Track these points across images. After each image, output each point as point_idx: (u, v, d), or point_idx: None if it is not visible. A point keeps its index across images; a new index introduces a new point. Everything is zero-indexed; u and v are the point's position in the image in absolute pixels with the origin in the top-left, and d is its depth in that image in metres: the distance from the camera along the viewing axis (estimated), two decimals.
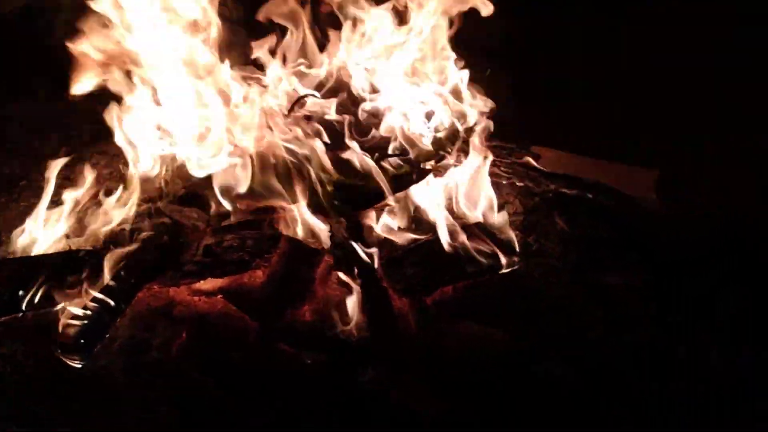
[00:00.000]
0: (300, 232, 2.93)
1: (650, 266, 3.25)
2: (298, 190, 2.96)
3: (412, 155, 3.15)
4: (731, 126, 4.36)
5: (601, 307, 3.06)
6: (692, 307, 3.08)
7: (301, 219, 2.94)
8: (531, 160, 3.60)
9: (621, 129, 4.22)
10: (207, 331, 2.81)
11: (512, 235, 3.16)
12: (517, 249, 3.12)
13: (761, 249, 3.36)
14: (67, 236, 3.24)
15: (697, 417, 2.70)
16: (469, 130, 3.33)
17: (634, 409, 2.72)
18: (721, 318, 3.03)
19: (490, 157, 3.23)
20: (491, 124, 3.38)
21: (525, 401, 2.69)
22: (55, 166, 3.35)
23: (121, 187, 3.26)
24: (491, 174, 3.30)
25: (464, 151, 3.26)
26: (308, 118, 3.25)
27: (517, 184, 3.48)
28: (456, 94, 3.36)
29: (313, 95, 3.35)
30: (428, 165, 3.13)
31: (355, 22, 3.55)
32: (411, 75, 3.41)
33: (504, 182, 3.49)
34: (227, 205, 3.03)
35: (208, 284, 2.90)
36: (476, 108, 3.36)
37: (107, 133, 3.35)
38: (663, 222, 3.44)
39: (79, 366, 2.67)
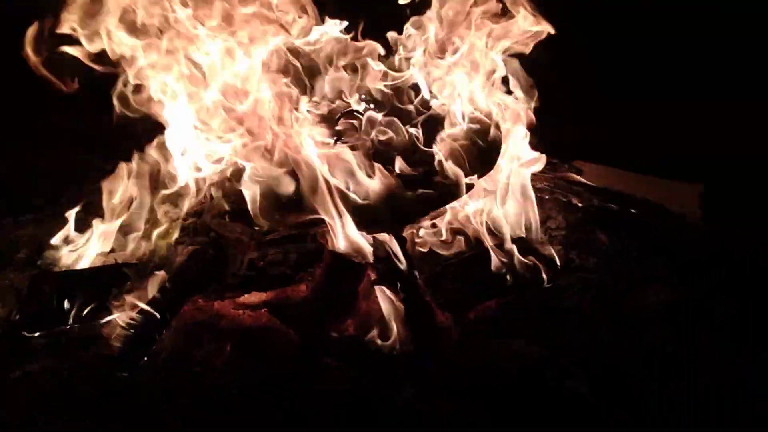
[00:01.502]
0: (343, 247, 2.93)
1: (692, 283, 3.23)
2: (342, 204, 2.97)
3: (454, 170, 3.15)
4: None
5: (640, 325, 3.02)
6: (728, 324, 3.06)
7: (345, 233, 2.95)
8: (574, 174, 3.58)
9: (666, 142, 4.21)
10: (251, 344, 2.83)
11: (553, 250, 3.16)
12: (559, 264, 3.12)
13: None
14: (113, 250, 3.28)
15: None
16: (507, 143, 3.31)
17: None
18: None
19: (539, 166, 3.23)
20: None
21: (560, 420, 2.67)
22: (103, 182, 3.39)
23: (167, 202, 3.30)
24: (534, 188, 3.30)
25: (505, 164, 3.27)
26: (339, 136, 3.26)
27: (561, 198, 3.46)
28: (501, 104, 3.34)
29: (357, 112, 3.36)
30: (471, 179, 3.12)
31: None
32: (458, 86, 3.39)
33: (547, 197, 3.48)
34: (262, 223, 3.05)
35: (252, 298, 2.93)
36: (522, 121, 3.35)
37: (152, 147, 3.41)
38: (706, 238, 3.42)
39: (125, 377, 2.70)
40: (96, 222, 3.34)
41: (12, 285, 3.26)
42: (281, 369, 2.76)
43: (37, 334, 2.93)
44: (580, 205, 3.44)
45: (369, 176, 3.02)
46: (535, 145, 3.40)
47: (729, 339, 2.95)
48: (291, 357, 2.81)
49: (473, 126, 3.26)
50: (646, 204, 3.44)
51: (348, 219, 2.92)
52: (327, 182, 2.93)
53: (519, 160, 3.25)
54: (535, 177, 3.34)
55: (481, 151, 3.17)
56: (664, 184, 3.58)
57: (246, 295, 2.92)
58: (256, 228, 3.11)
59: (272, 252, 2.98)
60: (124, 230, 3.33)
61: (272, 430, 2.59)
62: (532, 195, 3.22)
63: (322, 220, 2.96)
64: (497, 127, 3.23)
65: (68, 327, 2.93)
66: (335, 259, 2.92)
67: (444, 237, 3.14)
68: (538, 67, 3.46)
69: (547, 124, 3.48)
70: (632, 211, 3.39)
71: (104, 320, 2.89)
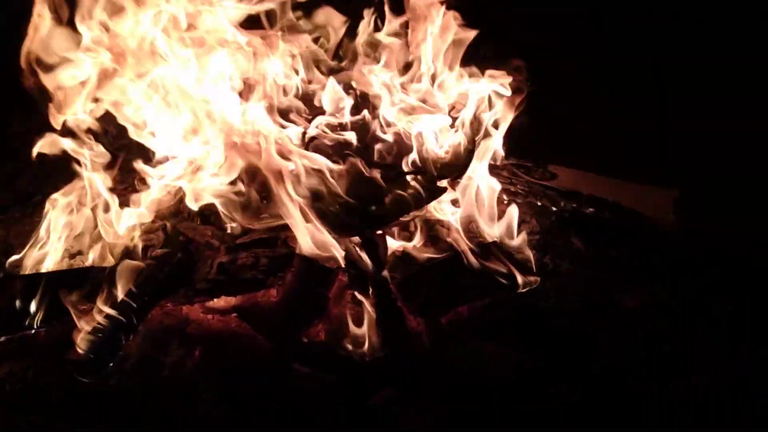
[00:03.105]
0: (313, 251, 2.89)
1: (666, 287, 3.23)
2: (311, 208, 2.93)
3: (427, 174, 3.11)
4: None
5: (616, 328, 3.03)
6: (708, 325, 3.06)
7: (316, 238, 2.91)
8: (548, 178, 3.56)
9: (639, 148, 4.20)
10: (220, 349, 2.79)
11: (529, 254, 3.13)
12: (534, 269, 3.10)
13: None
14: (80, 252, 3.23)
15: None
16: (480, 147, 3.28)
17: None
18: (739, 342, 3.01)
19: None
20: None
21: (538, 424, 2.66)
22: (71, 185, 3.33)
23: (135, 204, 3.24)
24: (508, 192, 3.28)
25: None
26: (312, 139, 3.22)
27: (535, 203, 3.45)
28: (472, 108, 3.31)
29: (333, 115, 3.33)
30: (443, 183, 3.10)
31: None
32: (424, 93, 3.37)
33: (520, 201, 3.46)
34: (233, 226, 3.02)
35: (221, 302, 2.88)
36: (492, 124, 3.32)
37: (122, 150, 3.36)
38: (680, 243, 3.41)
39: (90, 381, 2.66)
40: (63, 223, 3.28)
41: None
42: (251, 375, 2.73)
43: (2, 338, 2.88)
44: (554, 209, 3.42)
45: (340, 179, 2.99)
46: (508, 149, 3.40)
47: (707, 340, 2.97)
48: (261, 363, 2.77)
49: (445, 131, 3.24)
50: (620, 208, 3.42)
51: (318, 223, 2.89)
52: (294, 186, 2.90)
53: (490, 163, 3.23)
54: (509, 181, 3.33)
55: (454, 155, 3.15)
56: (638, 189, 3.56)
57: (215, 300, 2.87)
58: (227, 232, 3.07)
59: (243, 256, 2.94)
60: (92, 233, 3.27)
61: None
62: (505, 198, 3.21)
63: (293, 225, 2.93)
64: (470, 132, 3.22)
65: (34, 330, 2.88)
66: (305, 264, 2.88)
67: (417, 241, 3.11)
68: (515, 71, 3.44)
69: (522, 128, 3.47)
70: (606, 215, 3.38)
71: (70, 324, 2.83)
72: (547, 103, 3.70)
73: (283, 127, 3.24)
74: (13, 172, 4.22)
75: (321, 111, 3.41)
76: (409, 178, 3.09)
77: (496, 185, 3.22)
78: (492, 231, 3.16)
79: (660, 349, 2.95)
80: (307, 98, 3.47)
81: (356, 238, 2.95)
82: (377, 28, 3.59)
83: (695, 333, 3.02)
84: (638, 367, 2.88)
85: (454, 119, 3.31)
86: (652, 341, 2.99)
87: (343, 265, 2.91)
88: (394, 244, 3.08)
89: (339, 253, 2.90)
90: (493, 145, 3.25)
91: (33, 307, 2.89)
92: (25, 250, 3.22)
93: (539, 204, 3.46)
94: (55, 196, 3.30)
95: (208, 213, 3.14)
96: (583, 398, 2.72)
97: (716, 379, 2.82)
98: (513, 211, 3.16)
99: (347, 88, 3.46)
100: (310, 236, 2.89)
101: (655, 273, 3.26)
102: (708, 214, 3.56)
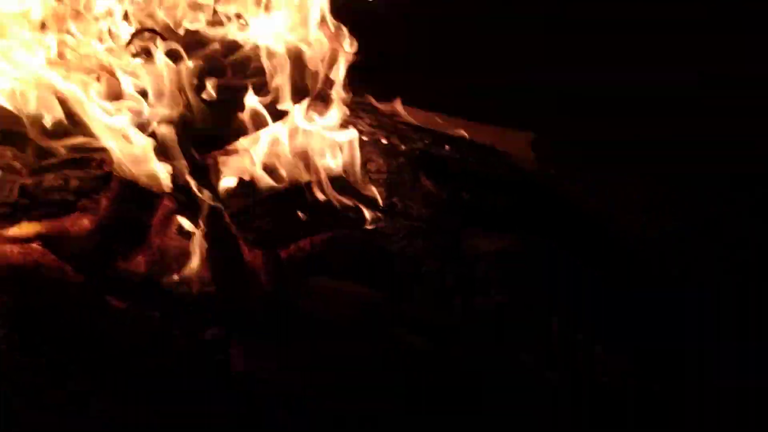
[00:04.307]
0: (136, 173, 2.54)
1: (520, 232, 3.08)
2: (135, 126, 2.59)
3: (269, 97, 2.82)
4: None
5: (464, 271, 2.85)
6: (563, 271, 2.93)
7: (137, 158, 2.56)
8: (398, 117, 3.32)
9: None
10: (21, 283, 2.40)
11: (375, 191, 2.91)
12: (381, 205, 2.87)
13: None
14: None
15: None
16: (328, 80, 3.03)
17: (486, 377, 2.52)
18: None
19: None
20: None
21: (381, 367, 2.43)
22: None
23: None
24: (355, 127, 3.05)
25: (325, 97, 2.97)
26: (148, 53, 2.86)
27: (382, 141, 3.20)
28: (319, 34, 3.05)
29: (154, 31, 2.97)
30: (286, 107, 2.81)
31: None
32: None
33: (367, 138, 3.21)
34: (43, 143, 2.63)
35: (23, 230, 2.48)
36: (341, 51, 3.07)
37: None
38: (539, 184, 3.29)
39: None
40: None
41: None
42: (58, 312, 2.36)
43: None
44: (403, 147, 3.20)
45: (166, 98, 2.67)
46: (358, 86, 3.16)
47: (563, 285, 2.83)
48: (70, 298, 2.40)
49: (287, 56, 2.96)
50: (475, 147, 3.23)
51: (144, 142, 2.54)
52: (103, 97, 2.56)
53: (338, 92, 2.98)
54: (355, 115, 3.09)
55: (298, 77, 2.87)
56: (494, 131, 3.40)
57: (16, 227, 2.47)
58: (31, 153, 2.67)
59: (50, 178, 2.53)
60: None
61: (51, 377, 2.21)
62: (352, 133, 2.96)
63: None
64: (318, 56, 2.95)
65: None
66: (125, 187, 2.53)
67: (255, 170, 2.80)
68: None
69: (373, 66, 3.25)
70: (458, 155, 3.18)
71: None
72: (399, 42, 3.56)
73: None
74: None
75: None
76: (251, 100, 2.79)
77: (340, 117, 2.97)
78: (335, 163, 2.90)
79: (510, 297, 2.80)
80: None
81: (186, 161, 2.63)
82: None
83: (544, 278, 2.90)
84: (486, 315, 2.72)
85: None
86: (502, 288, 2.84)
87: (169, 190, 2.57)
88: (230, 170, 2.77)
89: (165, 177, 2.57)
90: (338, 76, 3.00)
91: None
92: None
93: (388, 142, 3.22)
94: None
95: (7, 132, 2.72)
96: (426, 342, 2.53)
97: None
98: (355, 143, 2.92)
99: None
100: (131, 157, 2.54)
101: (510, 217, 3.12)
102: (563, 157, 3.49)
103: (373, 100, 3.32)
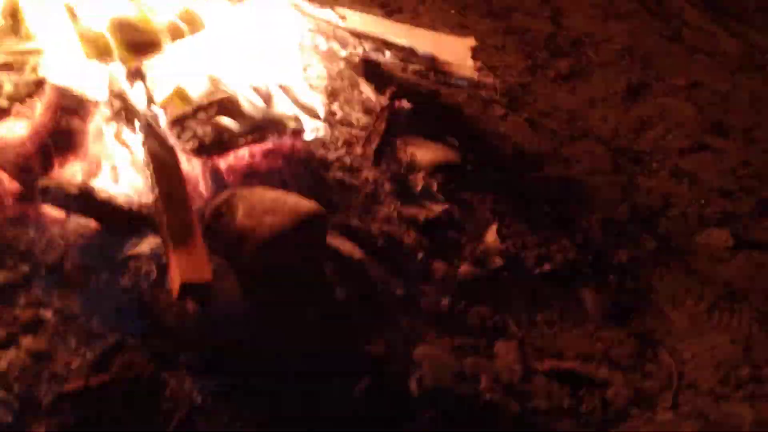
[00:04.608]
0: (70, 78, 2.48)
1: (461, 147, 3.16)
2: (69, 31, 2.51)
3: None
4: None
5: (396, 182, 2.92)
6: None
7: (72, 64, 2.49)
8: (337, 20, 3.24)
9: None
10: None
11: (316, 99, 2.89)
12: (321, 115, 2.86)
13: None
14: None
15: None
16: None
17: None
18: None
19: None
20: None
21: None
22: None
23: None
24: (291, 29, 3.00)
25: None
26: None
27: (320, 45, 3.14)
28: None
29: None
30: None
31: None
32: None
33: (305, 42, 3.15)
34: None
35: None
36: None
37: None
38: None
39: None
40: None
41: None
42: None
43: None
44: (343, 52, 3.15)
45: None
46: None
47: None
48: (5, 207, 2.37)
49: None
50: (416, 54, 3.19)
51: (74, 45, 2.47)
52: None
53: None
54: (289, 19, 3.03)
55: None
56: (434, 37, 3.35)
57: None
58: None
59: None
60: None
61: None
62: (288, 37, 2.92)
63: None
64: None
65: None
66: (59, 93, 2.46)
67: (192, 77, 2.74)
68: None
69: None
70: (400, 61, 3.16)
71: None
72: None
73: None
74: None
75: None
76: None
77: (275, 21, 2.91)
78: (274, 71, 2.86)
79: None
80: None
81: (121, 67, 2.56)
82: None
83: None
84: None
85: None
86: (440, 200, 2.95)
87: (105, 97, 2.52)
88: (165, 77, 2.71)
89: (101, 83, 2.51)
90: None
91: None
92: None
93: (326, 47, 3.16)
94: None
95: None
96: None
97: None
98: (294, 49, 2.88)
99: None
100: (66, 61, 2.48)
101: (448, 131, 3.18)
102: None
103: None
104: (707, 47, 4.46)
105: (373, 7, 4.04)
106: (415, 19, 4.10)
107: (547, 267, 2.86)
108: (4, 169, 2.39)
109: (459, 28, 4.07)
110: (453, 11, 4.30)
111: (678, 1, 4.79)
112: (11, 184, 2.40)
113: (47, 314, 2.21)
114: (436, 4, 4.31)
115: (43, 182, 2.35)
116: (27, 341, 2.15)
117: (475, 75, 3.18)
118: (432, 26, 3.81)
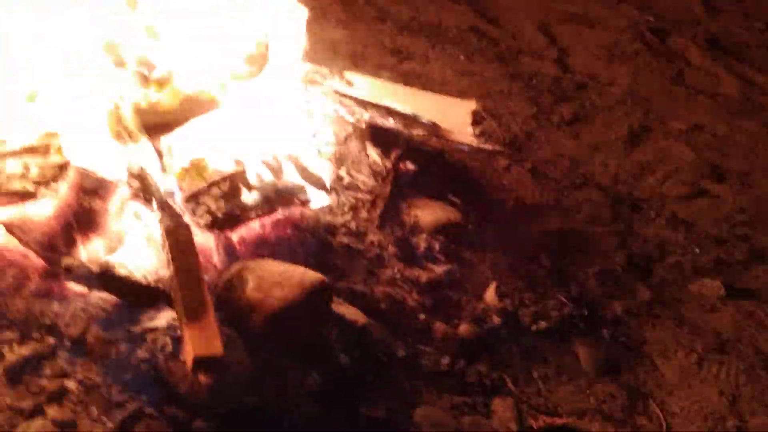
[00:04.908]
0: (92, 161, 2.66)
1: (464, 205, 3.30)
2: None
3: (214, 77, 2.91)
4: None
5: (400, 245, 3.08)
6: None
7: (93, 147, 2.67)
8: (344, 86, 3.41)
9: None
10: None
11: (324, 166, 3.05)
12: (328, 184, 3.02)
13: None
14: None
15: None
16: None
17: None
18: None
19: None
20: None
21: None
22: None
23: None
24: (302, 100, 3.15)
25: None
26: None
27: (329, 112, 3.31)
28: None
29: None
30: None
31: None
32: None
33: (315, 110, 3.32)
34: None
35: None
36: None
37: None
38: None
39: None
40: None
41: None
42: (20, 295, 2.51)
43: None
44: (350, 119, 3.31)
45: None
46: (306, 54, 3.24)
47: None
48: (32, 282, 2.55)
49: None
50: (419, 120, 3.34)
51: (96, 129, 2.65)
52: None
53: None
54: (302, 89, 3.18)
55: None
56: (437, 100, 3.51)
57: None
58: None
59: (10, 165, 2.65)
60: None
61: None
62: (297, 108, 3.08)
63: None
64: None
65: None
66: (82, 175, 2.64)
67: (206, 154, 2.90)
68: None
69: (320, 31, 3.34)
70: (403, 128, 3.31)
71: None
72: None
73: None
74: None
75: None
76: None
77: (288, 94, 3.07)
78: (284, 144, 3.02)
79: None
80: None
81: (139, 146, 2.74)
82: None
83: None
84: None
85: None
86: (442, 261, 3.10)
87: (124, 177, 2.69)
88: (181, 155, 2.88)
89: (120, 164, 2.68)
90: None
91: None
92: None
93: (334, 114, 3.33)
94: None
95: None
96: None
97: None
98: (306, 121, 3.04)
99: None
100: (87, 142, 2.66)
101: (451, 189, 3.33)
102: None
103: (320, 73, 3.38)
104: (708, 88, 4.60)
105: (385, 55, 4.21)
106: (424, 65, 4.27)
107: (543, 324, 3.01)
108: (31, 248, 2.56)
109: (466, 76, 4.21)
110: (461, 57, 4.45)
111: (681, 41, 4.91)
112: (38, 262, 2.56)
113: (71, 384, 2.36)
114: (445, 51, 4.46)
115: (67, 261, 2.53)
116: (53, 411, 2.30)
117: (474, 142, 3.32)
118: (441, 72, 3.96)
